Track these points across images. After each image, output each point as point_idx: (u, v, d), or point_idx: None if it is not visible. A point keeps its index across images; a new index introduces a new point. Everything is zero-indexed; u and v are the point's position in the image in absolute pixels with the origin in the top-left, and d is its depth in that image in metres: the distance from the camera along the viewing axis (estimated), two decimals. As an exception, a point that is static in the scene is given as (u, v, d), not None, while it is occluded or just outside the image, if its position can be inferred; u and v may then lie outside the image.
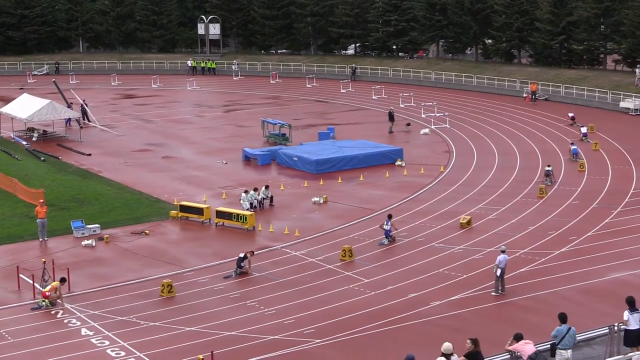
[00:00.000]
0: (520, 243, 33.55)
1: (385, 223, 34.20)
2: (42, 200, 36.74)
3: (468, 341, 19.36)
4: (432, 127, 61.44)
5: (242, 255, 30.85)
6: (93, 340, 25.05)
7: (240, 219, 36.70)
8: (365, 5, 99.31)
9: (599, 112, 68.09)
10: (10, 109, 60.90)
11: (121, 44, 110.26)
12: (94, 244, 34.60)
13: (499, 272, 27.87)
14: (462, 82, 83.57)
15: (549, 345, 20.90)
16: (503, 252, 28.40)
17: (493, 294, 27.95)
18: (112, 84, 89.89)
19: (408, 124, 62.40)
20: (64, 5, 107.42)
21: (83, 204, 41.15)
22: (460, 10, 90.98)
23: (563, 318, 20.78)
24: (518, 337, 20.11)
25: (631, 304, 21.47)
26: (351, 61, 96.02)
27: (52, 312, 27.37)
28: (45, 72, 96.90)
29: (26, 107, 59.03)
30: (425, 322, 25.97)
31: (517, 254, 31.92)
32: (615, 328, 21.51)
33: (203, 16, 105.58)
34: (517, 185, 43.54)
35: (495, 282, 28.12)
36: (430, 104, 68.86)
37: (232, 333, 25.33)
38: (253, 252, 31.56)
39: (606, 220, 36.67)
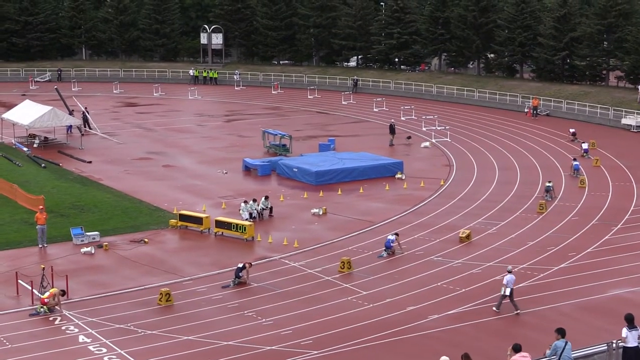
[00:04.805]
0: (519, 258, 33.51)
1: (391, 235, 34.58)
2: (42, 207, 36.75)
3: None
4: (433, 140, 61.48)
5: (240, 265, 30.87)
6: (90, 348, 25.02)
7: (240, 229, 36.69)
8: (368, 17, 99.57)
9: (600, 128, 68.14)
10: (12, 115, 60.90)
11: (124, 52, 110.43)
12: (93, 251, 34.57)
13: (507, 291, 27.69)
14: (463, 95, 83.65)
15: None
16: (510, 272, 28.22)
17: (494, 309, 27.80)
18: (114, 91, 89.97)
19: (409, 137, 62.43)
20: (67, 12, 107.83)
21: (83, 211, 41.16)
22: (463, 24, 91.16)
23: (562, 332, 20.72)
24: (517, 348, 20.02)
25: (630, 321, 21.40)
26: (353, 73, 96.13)
27: (50, 319, 27.35)
28: (47, 79, 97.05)
29: (28, 113, 59.03)
30: (423, 335, 25.92)
31: (516, 269, 31.84)
32: (614, 345, 21.46)
33: (206, 26, 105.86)
34: (517, 200, 43.52)
35: (499, 300, 27.86)
36: (432, 117, 68.92)
37: (230, 343, 25.29)
38: (251, 264, 31.56)
39: (606, 237, 36.64)
